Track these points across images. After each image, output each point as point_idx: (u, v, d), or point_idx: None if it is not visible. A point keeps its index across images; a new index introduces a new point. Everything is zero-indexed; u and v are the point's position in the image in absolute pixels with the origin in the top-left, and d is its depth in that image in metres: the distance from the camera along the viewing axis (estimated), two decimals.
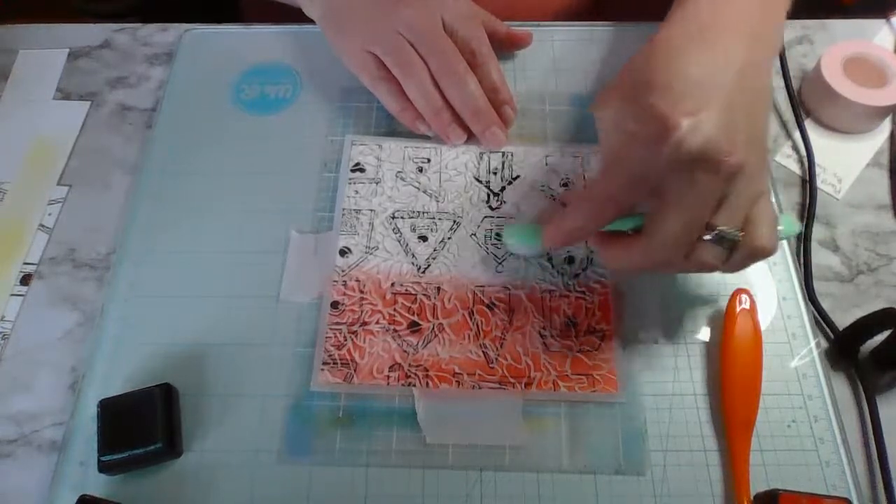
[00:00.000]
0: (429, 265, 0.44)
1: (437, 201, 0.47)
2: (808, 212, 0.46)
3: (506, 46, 0.53)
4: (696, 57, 0.35)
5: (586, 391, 0.40)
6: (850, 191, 0.48)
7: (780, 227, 0.37)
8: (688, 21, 0.37)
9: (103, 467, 0.37)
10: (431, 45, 0.47)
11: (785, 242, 0.45)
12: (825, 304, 0.43)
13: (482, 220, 0.46)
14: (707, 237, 0.34)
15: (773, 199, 0.46)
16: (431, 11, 0.47)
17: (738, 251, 0.35)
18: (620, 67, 0.38)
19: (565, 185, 0.47)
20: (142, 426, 0.38)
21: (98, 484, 0.38)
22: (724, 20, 0.37)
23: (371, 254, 0.45)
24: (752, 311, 0.41)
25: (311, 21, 0.57)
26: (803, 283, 0.43)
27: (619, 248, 0.36)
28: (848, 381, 0.41)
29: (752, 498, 0.37)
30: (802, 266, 0.44)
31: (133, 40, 0.57)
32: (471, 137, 0.49)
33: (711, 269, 0.36)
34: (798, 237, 0.46)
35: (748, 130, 0.34)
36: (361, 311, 0.43)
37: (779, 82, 0.52)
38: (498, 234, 0.45)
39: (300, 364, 0.41)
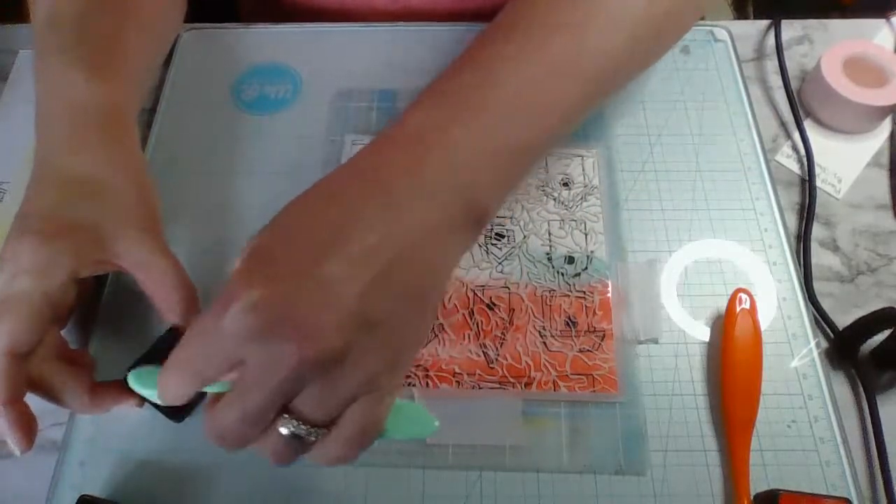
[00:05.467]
0: None
1: None
2: (807, 212, 0.46)
3: None
4: (312, 211, 0.30)
5: (586, 391, 0.40)
6: (850, 191, 0.48)
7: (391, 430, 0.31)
8: (357, 162, 0.32)
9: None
10: None
11: (785, 243, 0.45)
12: (825, 305, 0.43)
13: None
14: (282, 428, 0.29)
15: (776, 203, 0.46)
16: None
17: (315, 449, 0.30)
18: None
19: (566, 184, 0.47)
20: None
21: (98, 484, 0.38)
22: (385, 164, 0.31)
23: None
24: (752, 311, 0.41)
25: (310, 20, 0.57)
26: (803, 283, 0.43)
27: (208, 411, 0.30)
28: (848, 381, 0.41)
29: (752, 498, 0.37)
30: (802, 266, 0.44)
31: None
32: None
33: (284, 460, 0.30)
34: (798, 237, 0.46)
35: (360, 311, 0.28)
36: None
37: (778, 82, 0.52)
38: (498, 234, 0.45)
39: None
